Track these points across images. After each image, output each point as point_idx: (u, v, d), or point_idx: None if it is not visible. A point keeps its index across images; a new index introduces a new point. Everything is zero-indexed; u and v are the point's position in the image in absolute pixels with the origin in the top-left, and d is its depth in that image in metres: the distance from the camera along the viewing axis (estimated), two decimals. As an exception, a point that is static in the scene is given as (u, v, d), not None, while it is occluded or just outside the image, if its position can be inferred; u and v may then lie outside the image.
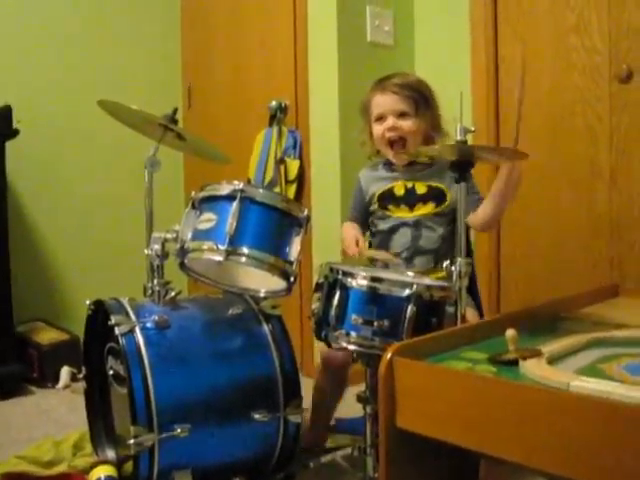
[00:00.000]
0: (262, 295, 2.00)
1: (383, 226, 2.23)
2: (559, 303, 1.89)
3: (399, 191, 2.21)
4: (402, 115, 2.18)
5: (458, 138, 1.74)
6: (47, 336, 3.31)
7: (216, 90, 3.96)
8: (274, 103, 3.33)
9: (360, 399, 1.83)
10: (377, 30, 3.19)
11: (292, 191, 3.25)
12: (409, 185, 2.21)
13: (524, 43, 2.92)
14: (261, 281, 1.95)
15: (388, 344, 1.44)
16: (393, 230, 2.20)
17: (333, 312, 1.70)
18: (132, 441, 1.72)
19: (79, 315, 2.29)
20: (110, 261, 3.85)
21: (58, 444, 2.26)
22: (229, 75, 3.85)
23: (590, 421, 1.05)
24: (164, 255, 2.00)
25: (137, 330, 1.83)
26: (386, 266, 2.10)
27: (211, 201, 1.89)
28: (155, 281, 2.00)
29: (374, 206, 2.25)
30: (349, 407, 2.16)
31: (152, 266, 2.01)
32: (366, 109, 2.28)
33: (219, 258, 1.79)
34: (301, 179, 3.27)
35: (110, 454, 2.13)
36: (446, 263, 1.74)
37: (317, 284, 1.79)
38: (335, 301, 1.71)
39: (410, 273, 1.95)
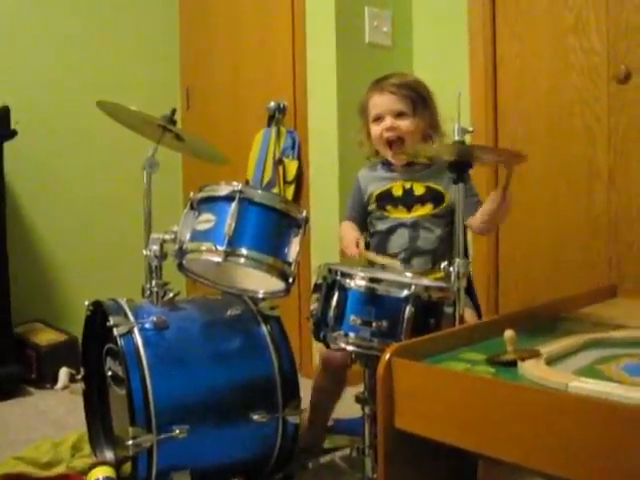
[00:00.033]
0: (261, 296, 2.00)
1: (381, 227, 2.23)
2: (558, 304, 1.89)
3: (397, 192, 2.22)
4: (400, 115, 2.18)
5: (456, 138, 1.74)
6: (45, 337, 3.31)
7: (215, 91, 3.96)
8: (272, 104, 3.33)
9: (359, 400, 1.83)
10: (375, 31, 3.19)
11: (290, 192, 3.25)
12: (407, 186, 2.21)
13: (522, 43, 2.92)
14: (260, 282, 1.95)
15: (386, 345, 1.44)
16: (391, 231, 2.20)
17: (332, 313, 1.70)
18: (130, 442, 1.72)
19: (77, 316, 2.30)
20: (108, 262, 3.85)
21: (57, 445, 2.25)
22: (228, 76, 3.85)
23: (589, 422, 1.05)
24: (162, 256, 1.99)
25: (136, 331, 1.83)
26: (382, 267, 2.10)
27: (210, 202, 1.89)
28: (153, 282, 2.00)
29: (372, 206, 2.26)
30: (348, 408, 2.16)
31: (150, 267, 2.01)
32: (364, 109, 2.28)
33: (218, 259, 1.79)
34: (299, 180, 3.27)
35: (109, 455, 2.13)
36: (444, 264, 1.74)
37: (316, 285, 1.79)
38: (334, 302, 1.71)
39: (408, 274, 1.95)
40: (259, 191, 1.93)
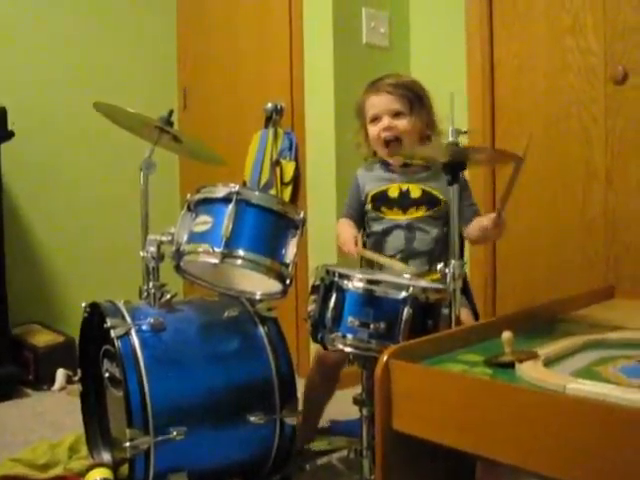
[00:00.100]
0: (258, 297, 1.99)
1: (377, 228, 2.23)
2: (555, 305, 1.89)
3: (393, 193, 2.22)
4: (397, 115, 2.19)
5: (450, 139, 1.75)
6: (43, 338, 3.31)
7: (212, 92, 3.96)
8: (270, 105, 3.33)
9: (356, 401, 1.83)
10: (373, 32, 3.19)
11: (288, 193, 3.25)
12: (404, 188, 2.21)
13: (519, 44, 2.93)
14: (257, 283, 1.94)
15: (384, 346, 1.44)
16: (386, 232, 2.21)
17: (329, 314, 1.70)
18: (128, 444, 1.71)
19: (75, 317, 2.29)
20: (106, 263, 3.85)
21: (54, 447, 2.25)
22: (225, 77, 3.85)
23: (586, 423, 1.05)
24: (160, 257, 1.99)
25: (133, 333, 1.83)
26: (381, 268, 2.10)
27: (207, 203, 1.88)
28: (151, 283, 1.99)
29: (368, 206, 2.26)
30: (345, 409, 2.16)
31: (148, 268, 2.00)
32: (361, 111, 2.28)
33: (215, 261, 1.78)
34: (297, 181, 3.27)
35: (106, 457, 2.12)
36: (440, 265, 1.75)
37: (313, 286, 1.79)
38: (331, 303, 1.70)
39: (406, 275, 1.95)
40: (256, 192, 1.92)
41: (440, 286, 1.74)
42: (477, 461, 1.61)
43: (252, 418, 1.87)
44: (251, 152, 3.40)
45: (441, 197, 2.17)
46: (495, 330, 1.48)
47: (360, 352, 1.69)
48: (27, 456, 2.17)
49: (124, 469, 1.88)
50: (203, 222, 1.85)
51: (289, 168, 3.26)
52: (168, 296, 2.00)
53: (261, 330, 2.00)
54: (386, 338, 1.63)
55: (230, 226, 1.79)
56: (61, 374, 3.17)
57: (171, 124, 2.22)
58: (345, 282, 1.70)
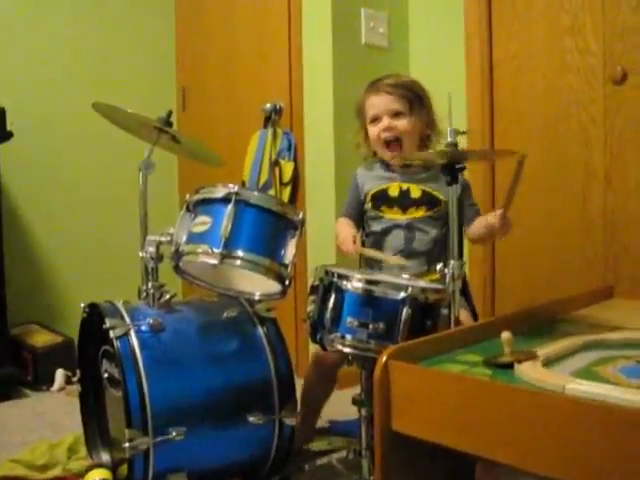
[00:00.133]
0: (257, 298, 1.99)
1: (376, 227, 2.23)
2: (554, 305, 1.89)
3: (393, 192, 2.22)
4: (397, 115, 2.19)
5: (449, 140, 1.75)
6: (41, 339, 3.30)
7: (211, 92, 3.95)
8: (269, 105, 3.33)
9: (355, 402, 1.83)
10: (372, 32, 3.19)
11: (287, 193, 3.25)
12: (404, 187, 2.21)
13: (518, 44, 2.93)
14: (256, 284, 1.94)
15: (383, 347, 1.44)
16: (386, 232, 2.21)
17: (328, 315, 1.70)
18: (127, 444, 1.71)
19: (73, 318, 2.29)
20: (104, 263, 3.84)
21: (53, 447, 2.25)
22: (223, 77, 3.85)
23: (585, 424, 1.05)
24: (159, 258, 1.99)
25: (132, 333, 1.82)
26: (380, 268, 2.10)
27: (206, 204, 1.88)
28: (150, 284, 1.99)
29: (367, 205, 2.26)
30: (344, 409, 2.16)
31: (147, 269, 2.00)
32: (361, 111, 2.28)
33: (214, 261, 1.78)
34: (296, 181, 3.27)
35: (105, 457, 2.12)
36: (439, 265, 1.75)
37: (312, 287, 1.79)
38: (330, 304, 1.70)
39: (405, 275, 1.95)
40: (255, 193, 1.92)
41: (439, 286, 1.74)
42: (476, 461, 1.61)
43: (251, 418, 1.87)
44: (250, 152, 3.40)
45: (441, 198, 2.17)
46: (494, 330, 1.48)
47: (359, 352, 1.69)
48: (26, 457, 2.17)
49: (123, 469, 1.88)
50: (202, 222, 1.85)
51: (288, 168, 3.26)
52: (167, 296, 1.99)
53: (260, 330, 2.00)
54: (385, 338, 1.64)
55: (229, 227, 1.79)
56: (60, 374, 3.16)
57: (170, 124, 2.22)
58: (344, 282, 1.70)
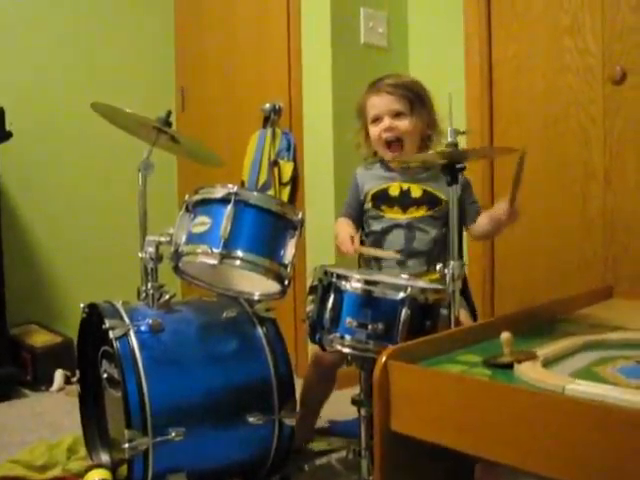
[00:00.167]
0: (256, 298, 1.99)
1: (376, 227, 2.23)
2: (554, 305, 1.89)
3: (394, 192, 2.22)
4: (398, 115, 2.19)
5: (449, 140, 1.76)
6: (41, 339, 3.30)
7: (210, 92, 3.95)
8: (268, 105, 3.32)
9: (355, 402, 1.82)
10: (371, 32, 3.19)
11: (286, 193, 3.25)
12: (405, 187, 2.21)
13: (518, 44, 2.93)
14: (255, 284, 1.94)
15: (382, 347, 1.44)
16: (386, 231, 2.21)
17: (327, 315, 1.70)
18: (126, 445, 1.71)
19: (73, 318, 2.29)
20: (104, 264, 3.84)
21: (52, 448, 2.25)
22: (223, 77, 3.85)
23: (585, 424, 1.05)
24: (158, 258, 1.99)
25: (131, 333, 1.82)
26: (380, 268, 2.10)
27: (205, 204, 1.88)
28: (149, 284, 1.99)
29: (368, 205, 2.26)
30: (343, 409, 2.16)
31: (146, 269, 2.00)
32: (362, 111, 2.28)
33: (213, 262, 1.78)
34: (295, 181, 3.27)
35: (104, 458, 2.12)
36: (439, 266, 1.75)
37: (311, 287, 1.79)
38: (329, 304, 1.70)
39: (404, 276, 1.95)
40: (255, 193, 1.92)
41: (439, 286, 1.74)
42: (476, 462, 1.61)
43: (251, 419, 1.87)
44: (249, 152, 3.40)
45: (442, 197, 2.17)
46: (494, 330, 1.48)
47: (358, 353, 1.69)
48: (25, 457, 2.17)
49: (123, 470, 1.88)
50: (201, 223, 1.85)
51: (287, 168, 3.26)
52: (166, 297, 1.99)
53: (259, 331, 2.00)
54: (384, 339, 1.63)
55: (228, 227, 1.79)
56: (59, 375, 3.16)
57: (169, 125, 2.22)
58: (343, 283, 1.70)
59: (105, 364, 1.97)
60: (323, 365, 2.18)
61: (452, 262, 1.71)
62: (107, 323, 1.82)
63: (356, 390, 1.84)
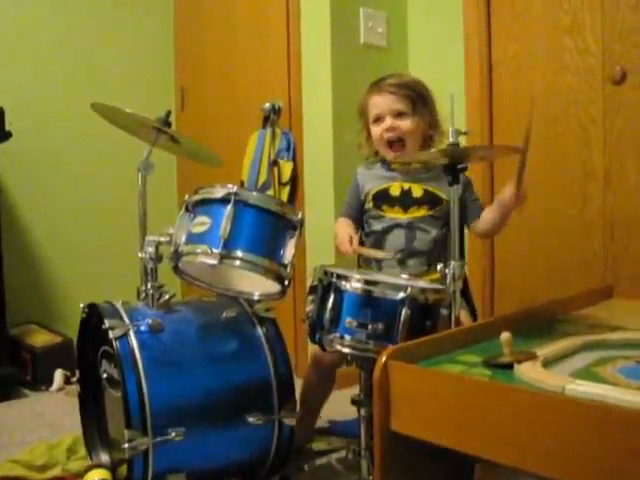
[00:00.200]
0: (256, 298, 1.99)
1: (377, 226, 2.23)
2: (554, 305, 1.89)
3: (395, 192, 2.21)
4: (400, 115, 2.18)
5: (450, 140, 1.76)
6: (40, 339, 3.30)
7: (209, 92, 3.95)
8: (267, 105, 3.33)
9: (354, 402, 1.82)
10: (371, 32, 3.19)
11: (285, 193, 3.25)
12: (405, 187, 2.21)
13: (518, 44, 2.93)
14: (255, 284, 1.94)
15: (382, 347, 1.44)
16: (387, 231, 2.20)
17: (327, 315, 1.70)
18: (126, 445, 1.71)
19: (72, 318, 2.29)
20: (103, 264, 3.84)
21: (52, 448, 2.25)
22: (222, 77, 3.85)
23: (585, 425, 1.05)
24: (158, 258, 1.99)
25: (131, 334, 1.82)
26: (380, 268, 2.10)
27: (205, 204, 1.88)
28: (149, 284, 1.99)
29: (368, 204, 2.26)
30: (343, 409, 2.16)
31: (146, 269, 2.00)
32: (363, 111, 2.28)
33: (213, 262, 1.78)
34: (294, 181, 3.27)
35: (104, 458, 2.12)
36: (440, 266, 1.75)
37: (311, 287, 1.79)
38: (329, 304, 1.70)
39: (404, 276, 1.95)
40: (254, 193, 1.92)
41: (439, 286, 1.74)
42: (476, 462, 1.61)
43: (250, 419, 1.86)
44: (249, 152, 3.40)
45: (443, 196, 2.16)
46: (494, 331, 1.48)
47: (358, 353, 1.69)
48: (25, 457, 2.17)
49: (122, 470, 1.88)
50: (201, 223, 1.85)
51: (287, 168, 3.26)
52: (166, 297, 1.99)
53: (259, 331, 2.00)
54: (384, 339, 1.63)
55: (228, 227, 1.79)
56: (59, 374, 3.16)
57: (169, 124, 2.22)
58: (343, 283, 1.70)
59: (105, 364, 1.96)
60: (322, 365, 2.18)
61: (453, 262, 1.71)
62: (107, 323, 1.82)
63: (356, 390, 1.84)
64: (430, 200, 2.18)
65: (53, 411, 2.83)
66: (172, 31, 4.22)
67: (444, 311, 1.73)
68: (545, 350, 1.41)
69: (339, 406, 2.24)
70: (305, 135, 3.24)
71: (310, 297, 1.78)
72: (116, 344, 1.79)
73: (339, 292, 1.70)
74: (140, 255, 2.02)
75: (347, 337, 1.68)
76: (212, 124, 3.88)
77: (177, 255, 1.87)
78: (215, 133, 3.79)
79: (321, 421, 2.41)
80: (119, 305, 1.95)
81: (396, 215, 2.19)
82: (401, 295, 1.65)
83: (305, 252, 3.13)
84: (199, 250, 1.82)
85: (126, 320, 1.86)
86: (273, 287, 1.90)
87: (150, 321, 1.85)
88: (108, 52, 3.92)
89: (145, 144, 2.21)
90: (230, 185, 1.85)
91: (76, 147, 3.78)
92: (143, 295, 2.02)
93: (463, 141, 1.82)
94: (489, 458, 1.21)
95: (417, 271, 2.10)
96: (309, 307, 1.77)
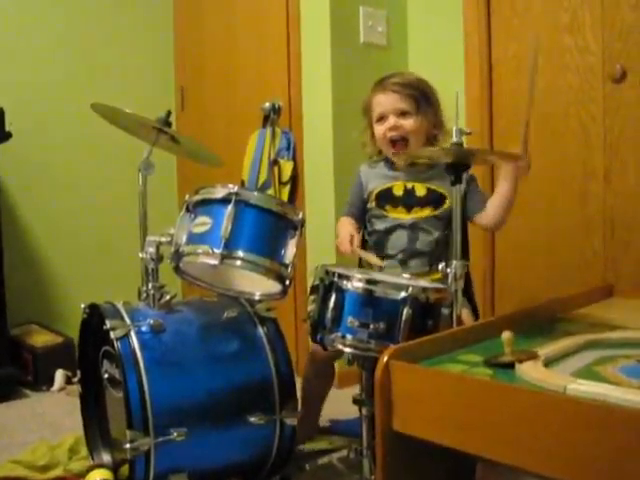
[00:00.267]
0: (257, 298, 1.99)
1: (379, 226, 2.22)
2: (554, 304, 1.89)
3: (398, 191, 2.21)
4: (403, 114, 2.18)
5: (454, 140, 1.75)
6: (41, 339, 3.30)
7: (209, 92, 3.95)
8: (267, 104, 3.33)
9: (356, 401, 1.82)
10: (370, 31, 3.19)
11: (286, 193, 3.25)
12: (409, 186, 2.21)
13: (518, 43, 2.92)
14: (256, 284, 1.94)
15: (384, 347, 1.44)
16: (389, 231, 2.20)
17: (329, 315, 1.70)
18: (128, 445, 1.71)
19: (73, 318, 2.29)
20: (104, 264, 3.84)
21: (53, 448, 2.25)
22: (222, 77, 3.84)
23: (586, 424, 1.05)
24: (159, 258, 1.99)
25: (132, 334, 1.82)
26: (380, 269, 2.10)
27: (206, 204, 1.88)
28: (150, 284, 1.99)
29: (371, 204, 2.25)
30: (345, 408, 2.16)
31: (147, 269, 2.00)
32: (367, 110, 2.27)
33: (214, 262, 1.78)
34: (295, 181, 3.27)
35: (106, 458, 2.12)
36: (441, 265, 1.75)
37: (312, 287, 1.79)
38: (331, 304, 1.70)
39: (406, 275, 1.95)
40: (255, 193, 1.92)
41: (440, 286, 1.74)
42: (477, 461, 1.61)
43: (252, 419, 1.87)
44: (249, 152, 3.40)
45: (446, 194, 2.16)
46: (495, 330, 1.48)
47: (360, 352, 1.68)
48: (27, 457, 2.17)
49: (124, 470, 1.88)
50: (202, 223, 1.85)
51: (287, 167, 3.26)
52: (167, 297, 1.99)
53: (260, 330, 2.00)
54: (386, 338, 1.63)
55: (229, 227, 1.79)
56: (60, 375, 3.16)
57: (169, 124, 2.22)
58: (344, 282, 1.70)
59: (106, 364, 1.97)
60: (318, 360, 2.18)
61: (454, 262, 1.72)
62: (108, 324, 1.82)
63: (357, 389, 1.84)
64: (433, 199, 2.18)
65: (54, 411, 2.83)
66: (172, 31, 4.21)
67: (445, 310, 1.73)
68: (546, 349, 1.42)
69: (341, 405, 2.24)
70: (305, 134, 3.24)
71: (311, 297, 1.78)
72: (117, 344, 1.79)
73: (341, 292, 1.70)
74: (141, 255, 2.02)
75: (349, 337, 1.68)
76: (212, 124, 3.88)
77: (178, 255, 1.87)
78: (215, 133, 3.79)
79: (322, 420, 2.41)
80: (120, 305, 1.95)
81: (399, 215, 2.19)
82: (402, 294, 1.64)
83: (305, 251, 3.13)
84: (200, 250, 1.82)
85: (127, 320, 1.86)
86: (274, 287, 1.90)
87: (151, 321, 1.86)
88: (108, 52, 3.91)
89: (145, 144, 2.21)
90: (231, 185, 1.85)
91: (76, 147, 3.78)
92: (144, 295, 2.02)
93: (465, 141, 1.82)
94: (490, 457, 1.21)
95: (419, 271, 2.10)
96: (310, 307, 1.77)
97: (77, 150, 3.79)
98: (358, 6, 3.15)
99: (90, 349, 2.09)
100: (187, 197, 1.94)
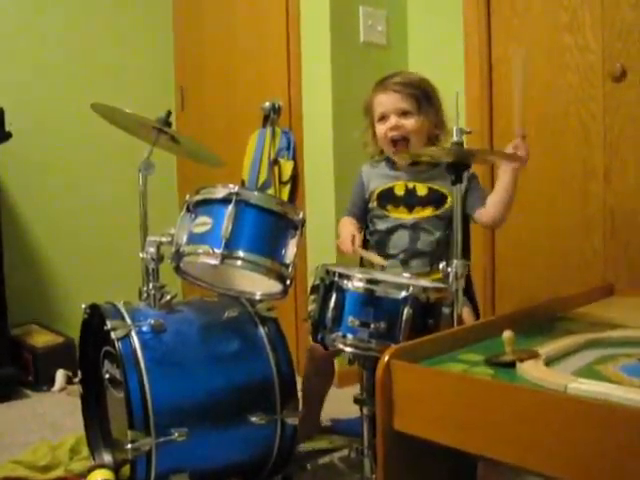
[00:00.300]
0: (258, 298, 1.99)
1: (381, 226, 2.23)
2: (555, 303, 1.89)
3: (399, 191, 2.21)
4: (404, 114, 2.18)
5: (455, 139, 1.76)
6: (42, 339, 3.30)
7: (209, 92, 3.95)
8: (267, 104, 3.33)
9: (357, 401, 1.82)
10: (370, 30, 3.19)
11: (286, 192, 3.25)
12: (410, 186, 2.21)
13: (518, 42, 2.92)
14: (257, 284, 1.94)
15: (385, 346, 1.44)
16: (391, 231, 2.20)
17: (329, 314, 1.70)
18: (129, 445, 1.71)
19: (74, 318, 2.29)
20: (105, 264, 3.84)
21: (54, 448, 2.25)
22: (222, 76, 3.84)
23: (588, 423, 1.05)
24: (159, 258, 1.99)
25: (133, 334, 1.82)
26: (382, 268, 2.10)
27: (206, 204, 1.88)
28: (150, 285, 1.99)
29: (373, 204, 2.25)
30: (346, 408, 2.16)
31: (147, 269, 2.00)
32: (369, 109, 2.27)
33: (215, 262, 1.78)
34: (295, 180, 3.27)
35: (107, 458, 2.12)
36: (442, 264, 1.75)
37: (313, 286, 1.79)
38: (331, 303, 1.70)
39: (406, 275, 1.95)
40: (255, 193, 1.92)
41: (441, 285, 1.75)
42: (479, 460, 1.61)
43: (253, 418, 1.87)
44: (249, 151, 3.40)
45: (448, 194, 2.16)
46: (496, 329, 1.48)
47: (360, 352, 1.69)
48: (28, 458, 2.17)
49: (125, 470, 1.88)
50: (202, 223, 1.85)
51: (287, 167, 3.26)
52: (168, 297, 1.99)
53: (261, 330, 2.00)
54: (386, 338, 1.64)
55: (230, 227, 1.79)
56: (61, 375, 3.16)
57: (169, 124, 2.22)
58: (345, 282, 1.70)
59: (107, 364, 1.97)
60: (317, 357, 2.19)
61: (455, 261, 1.72)
62: (109, 324, 1.82)
63: (358, 389, 1.84)
64: (435, 199, 2.18)
65: (55, 412, 2.83)
66: (172, 31, 4.21)
67: (446, 310, 1.73)
68: (547, 348, 1.42)
69: (341, 405, 2.24)
70: (305, 134, 3.24)
71: (312, 296, 1.78)
72: (118, 345, 1.79)
73: (341, 291, 1.70)
74: (141, 255, 2.02)
75: (349, 336, 1.68)
76: (212, 124, 3.88)
77: (178, 255, 1.87)
78: (215, 132, 3.79)
79: (323, 420, 2.41)
80: (121, 305, 1.95)
81: (400, 215, 2.19)
82: (403, 294, 1.65)
83: (306, 251, 3.13)
84: (201, 250, 1.82)
85: (128, 321, 1.86)
86: (275, 287, 1.90)
87: (152, 321, 1.86)
88: (108, 52, 3.91)
89: (145, 144, 2.21)
90: (231, 185, 1.85)
91: (76, 147, 3.78)
92: (145, 295, 2.02)
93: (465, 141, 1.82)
94: (492, 457, 1.22)
95: (420, 271, 2.10)
96: (311, 306, 1.78)
97: (77, 150, 3.78)
98: (358, 6, 3.15)
99: (91, 349, 2.09)
100: (187, 197, 1.94)
